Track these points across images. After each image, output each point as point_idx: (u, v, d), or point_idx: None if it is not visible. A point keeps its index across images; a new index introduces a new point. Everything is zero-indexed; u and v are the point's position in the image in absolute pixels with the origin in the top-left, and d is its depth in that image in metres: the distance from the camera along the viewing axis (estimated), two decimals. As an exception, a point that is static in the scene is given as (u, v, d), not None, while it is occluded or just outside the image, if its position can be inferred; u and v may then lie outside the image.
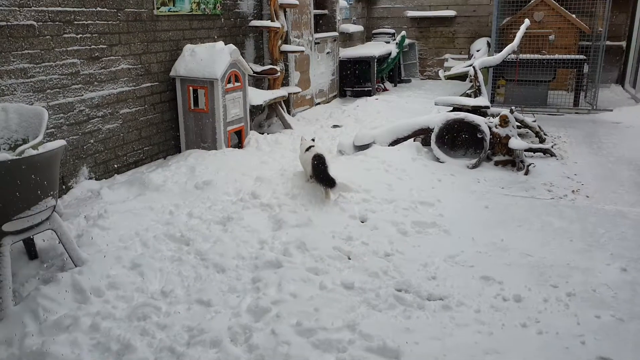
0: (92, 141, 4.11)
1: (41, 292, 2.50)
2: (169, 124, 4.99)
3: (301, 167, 4.14)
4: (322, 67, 7.80)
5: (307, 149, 3.96)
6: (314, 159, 3.78)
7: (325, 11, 8.13)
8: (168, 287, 2.69)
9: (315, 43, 7.42)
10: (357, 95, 8.54)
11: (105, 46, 4.15)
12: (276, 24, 5.97)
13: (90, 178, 4.12)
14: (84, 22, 3.93)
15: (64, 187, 3.87)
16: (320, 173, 3.72)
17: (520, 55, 7.28)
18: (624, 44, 9.02)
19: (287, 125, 6.14)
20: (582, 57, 7.23)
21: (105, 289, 2.62)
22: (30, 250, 2.90)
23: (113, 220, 3.30)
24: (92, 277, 2.66)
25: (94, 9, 4.00)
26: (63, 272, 2.68)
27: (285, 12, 6.29)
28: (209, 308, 2.52)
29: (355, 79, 8.74)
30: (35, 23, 3.55)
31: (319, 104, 7.75)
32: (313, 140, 4.20)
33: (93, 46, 4.04)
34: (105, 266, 2.78)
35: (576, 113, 7.12)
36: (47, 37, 3.65)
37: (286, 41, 6.45)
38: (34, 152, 2.40)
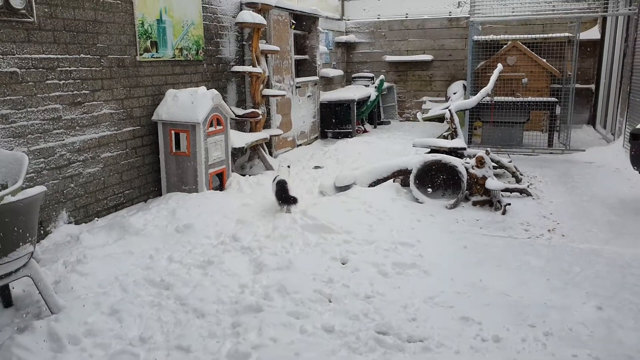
0: (72, 185, 4.11)
1: (16, 342, 2.44)
2: (150, 167, 5.01)
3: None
4: (304, 110, 7.96)
5: (274, 180, 4.48)
6: (277, 184, 4.38)
7: (306, 56, 8.36)
8: (147, 333, 2.65)
9: (297, 87, 7.60)
10: (338, 136, 8.69)
11: (87, 91, 4.21)
12: (258, 70, 6.13)
13: (70, 222, 4.09)
14: (67, 68, 4.00)
15: (42, 232, 3.83)
16: (281, 194, 4.34)
17: (495, 97, 7.54)
18: (593, 86, 9.42)
19: (268, 167, 6.20)
20: (554, 99, 7.52)
21: (83, 336, 2.57)
22: (6, 298, 2.84)
23: (92, 266, 3.27)
24: (69, 324, 2.61)
25: (77, 56, 4.08)
26: (39, 320, 2.63)
27: (266, 57, 6.47)
28: (188, 354, 2.49)
29: (336, 121, 8.92)
30: (18, 70, 3.61)
31: (300, 145, 7.87)
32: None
33: (76, 92, 4.10)
34: (83, 313, 2.73)
35: (550, 153, 7.34)
36: (30, 83, 3.71)
37: (268, 85, 6.61)
38: (13, 198, 2.39)
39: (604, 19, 8.90)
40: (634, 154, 4.70)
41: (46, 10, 3.78)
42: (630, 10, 7.11)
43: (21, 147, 3.65)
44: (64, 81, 3.98)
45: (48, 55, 3.83)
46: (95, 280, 3.13)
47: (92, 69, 4.25)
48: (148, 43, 4.86)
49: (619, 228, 4.20)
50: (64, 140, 4.01)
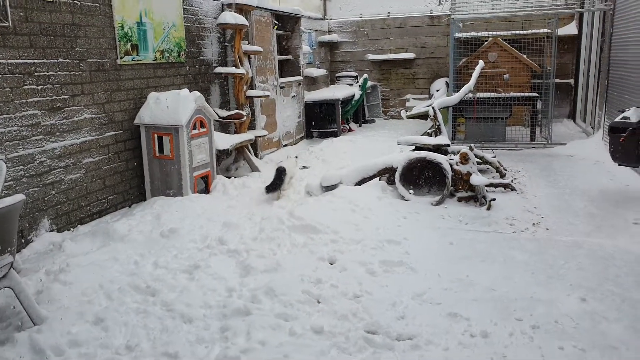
0: (53, 192, 4.04)
1: (-3, 354, 2.40)
2: (134, 172, 4.95)
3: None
4: (288, 110, 7.94)
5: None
6: (277, 170, 4.98)
7: (289, 56, 8.34)
8: (133, 341, 2.61)
9: (281, 87, 7.58)
10: (324, 136, 8.69)
11: (67, 96, 4.14)
12: (241, 70, 6.09)
13: (52, 230, 4.02)
14: (45, 73, 3.93)
15: (23, 241, 3.76)
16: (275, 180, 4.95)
17: (478, 94, 7.60)
18: (572, 81, 9.55)
19: (254, 168, 6.17)
20: (534, 94, 7.60)
21: (67, 347, 2.52)
22: (-14, 310, 2.78)
23: (75, 274, 3.21)
24: (52, 335, 2.56)
25: (55, 60, 4.01)
26: (20, 332, 2.58)
27: (249, 58, 6.43)
28: (175, 361, 2.46)
29: (321, 121, 8.91)
30: (-6, 76, 3.54)
31: (286, 145, 7.84)
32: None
33: (55, 97, 4.03)
34: (67, 323, 2.69)
35: (533, 147, 7.42)
36: (7, 89, 3.63)
37: (251, 86, 6.58)
38: (-9, 208, 2.34)
39: (581, 15, 9.03)
40: (613, 146, 4.77)
41: (21, 14, 3.71)
42: (605, 5, 7.22)
43: (-1, 154, 3.58)
44: (42, 86, 3.91)
45: (25, 60, 3.76)
46: (79, 289, 3.08)
47: (72, 73, 4.18)
48: (128, 46, 4.79)
49: (599, 220, 4.26)
50: (43, 146, 3.94)
